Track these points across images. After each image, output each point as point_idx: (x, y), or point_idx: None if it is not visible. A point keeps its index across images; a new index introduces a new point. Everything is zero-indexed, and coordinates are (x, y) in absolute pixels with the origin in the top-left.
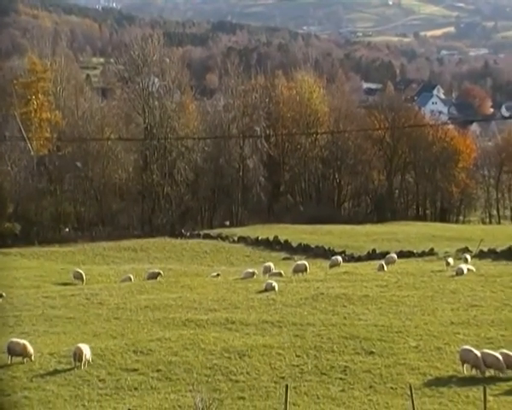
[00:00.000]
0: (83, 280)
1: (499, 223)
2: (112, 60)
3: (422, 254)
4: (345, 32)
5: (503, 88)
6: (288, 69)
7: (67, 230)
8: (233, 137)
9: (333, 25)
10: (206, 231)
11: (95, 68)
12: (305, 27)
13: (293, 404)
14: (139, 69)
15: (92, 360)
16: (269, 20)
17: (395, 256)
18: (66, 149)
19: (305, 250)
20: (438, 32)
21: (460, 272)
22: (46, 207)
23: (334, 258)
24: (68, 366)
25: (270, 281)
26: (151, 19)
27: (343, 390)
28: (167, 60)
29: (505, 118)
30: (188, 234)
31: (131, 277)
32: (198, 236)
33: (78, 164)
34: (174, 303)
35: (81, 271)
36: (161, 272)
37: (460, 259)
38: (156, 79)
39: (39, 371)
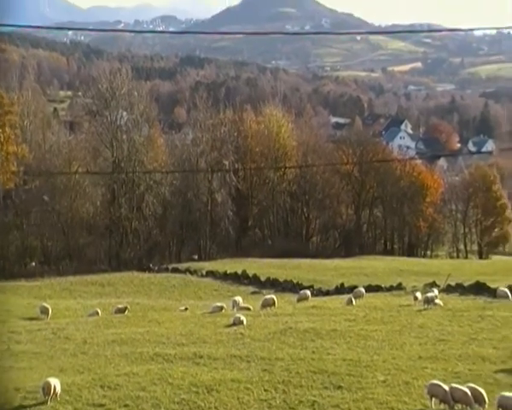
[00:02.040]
0: (49, 315)
1: (466, 257)
2: (79, 93)
3: (390, 289)
4: (313, 66)
5: (470, 123)
6: (256, 103)
7: (34, 264)
8: (201, 171)
9: (301, 60)
10: (175, 265)
11: (62, 102)
12: (273, 62)
13: None
14: (107, 103)
15: (59, 396)
16: (237, 55)
17: (363, 290)
18: (33, 183)
19: (273, 284)
20: (405, 68)
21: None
22: (12, 242)
23: (302, 292)
24: (34, 402)
25: (238, 315)
26: (119, 52)
27: None
28: (135, 93)
29: (472, 153)
30: (156, 268)
31: (99, 311)
32: (166, 270)
33: (46, 198)
34: (142, 338)
35: (47, 305)
36: (128, 306)
37: (427, 293)
38: (124, 113)
39: (4, 406)
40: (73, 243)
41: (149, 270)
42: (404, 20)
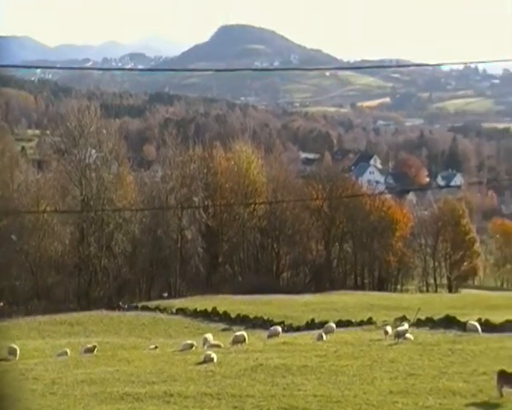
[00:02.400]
0: (17, 355)
1: (436, 291)
2: (48, 131)
3: (361, 324)
4: (282, 102)
5: (439, 158)
6: (225, 140)
7: (1, 304)
8: (171, 208)
9: (270, 96)
10: (144, 303)
11: (30, 140)
12: (242, 98)
13: None
14: (76, 141)
15: None
16: (206, 91)
17: (334, 326)
18: (1, 223)
19: (243, 321)
20: (374, 103)
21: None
22: None
23: (272, 328)
24: None
25: (208, 352)
26: (88, 90)
27: None
28: (104, 131)
29: (441, 187)
30: (125, 306)
31: (68, 351)
32: (136, 308)
33: (13, 237)
34: (111, 377)
35: (15, 346)
36: (97, 345)
37: (398, 327)
38: (93, 151)
39: None
40: (42, 282)
41: (119, 308)
42: (373, 55)
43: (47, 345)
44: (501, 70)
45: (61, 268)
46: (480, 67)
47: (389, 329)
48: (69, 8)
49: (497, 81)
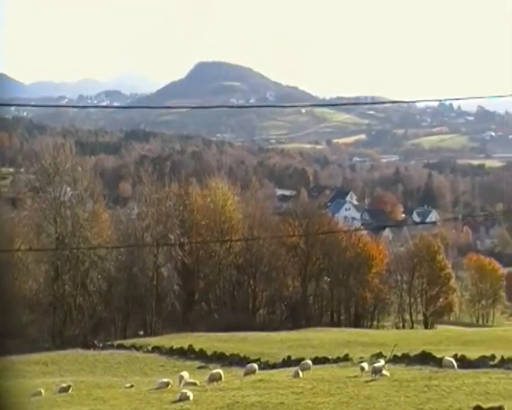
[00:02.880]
0: None
1: (412, 327)
2: (22, 169)
3: (337, 360)
4: (258, 139)
5: (414, 194)
6: (201, 177)
7: None
8: (147, 246)
9: (246, 132)
10: (120, 342)
11: (4, 178)
12: (218, 135)
13: None
14: (50, 178)
15: None
16: (182, 128)
17: (310, 363)
18: None
19: (220, 358)
20: (350, 140)
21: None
22: None
23: (249, 365)
24: None
25: (184, 391)
26: (63, 128)
27: None
28: (79, 169)
29: (416, 223)
30: (101, 345)
31: (42, 391)
32: (111, 346)
33: None
34: None
35: None
36: (72, 384)
37: (374, 364)
38: (68, 189)
39: None
40: (16, 321)
41: (94, 347)
42: (349, 92)
43: (21, 385)
44: (475, 107)
45: (36, 307)
46: (455, 103)
47: (365, 365)
48: (44, 45)
49: (471, 118)
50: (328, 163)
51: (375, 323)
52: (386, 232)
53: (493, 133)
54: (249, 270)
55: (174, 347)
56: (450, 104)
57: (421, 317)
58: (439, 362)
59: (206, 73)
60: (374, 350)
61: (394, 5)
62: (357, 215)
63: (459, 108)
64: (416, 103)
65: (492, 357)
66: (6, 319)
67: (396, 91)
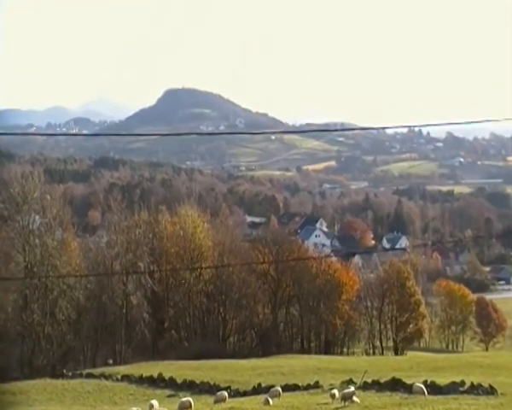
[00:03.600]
0: None
1: (382, 354)
2: None
3: (308, 387)
4: (228, 166)
5: (384, 220)
6: (171, 204)
7: None
8: (116, 274)
9: (216, 160)
10: (89, 371)
11: None
12: (188, 162)
13: None
14: (19, 207)
15: None
16: (151, 156)
17: (279, 389)
18: None
19: (190, 387)
20: (319, 166)
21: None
22: None
23: (219, 393)
24: None
25: None
26: (31, 156)
27: None
28: (48, 197)
29: (386, 249)
30: (70, 374)
31: None
32: (80, 375)
33: None
34: None
35: None
36: None
37: (344, 390)
38: (37, 217)
39: None
40: None
41: (63, 376)
42: (318, 119)
43: None
44: (444, 133)
45: (4, 336)
46: (424, 130)
47: (336, 392)
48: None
49: (440, 144)
50: (298, 190)
51: (345, 349)
52: (356, 259)
53: (462, 159)
54: (219, 297)
55: (144, 375)
56: (420, 130)
57: (391, 343)
58: (409, 388)
59: (175, 100)
60: (344, 377)
61: (361, 32)
62: (327, 242)
63: (428, 134)
64: (386, 130)
65: (462, 383)
66: None
67: (365, 118)
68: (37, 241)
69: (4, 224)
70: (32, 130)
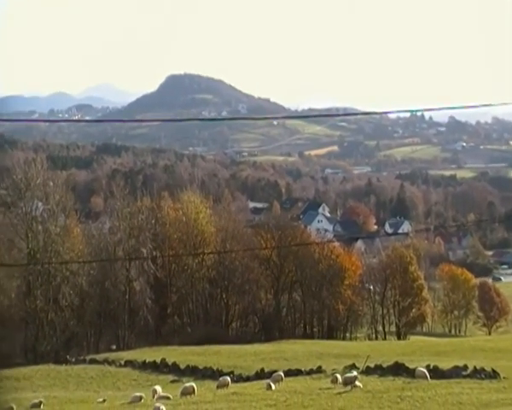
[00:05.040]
0: None
1: (385, 338)
2: None
3: (310, 372)
4: (230, 152)
5: (386, 205)
6: (174, 190)
7: None
8: (119, 260)
9: (218, 145)
10: (92, 356)
11: None
12: (190, 148)
13: None
14: (22, 193)
15: None
16: (154, 142)
17: (282, 374)
18: None
19: (193, 372)
20: (322, 151)
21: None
22: None
23: (222, 378)
24: None
25: (157, 404)
26: (34, 142)
27: None
28: (51, 183)
29: (389, 234)
30: (73, 360)
31: (14, 407)
32: (84, 361)
33: None
34: None
35: None
36: (44, 400)
37: (347, 375)
38: (40, 203)
39: None
40: None
41: (66, 362)
42: (321, 104)
43: None
44: (447, 117)
45: (8, 322)
46: (427, 114)
47: (338, 377)
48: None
49: (443, 129)
50: (300, 175)
51: (347, 334)
52: (359, 244)
53: (465, 144)
54: (222, 283)
55: (147, 361)
56: (422, 115)
57: (393, 328)
58: (411, 373)
59: (177, 86)
60: (347, 362)
61: (366, 17)
62: (330, 227)
63: (431, 118)
64: (388, 114)
65: (465, 367)
66: None
67: (368, 103)
68: (40, 227)
69: (7, 210)
70: (35, 116)
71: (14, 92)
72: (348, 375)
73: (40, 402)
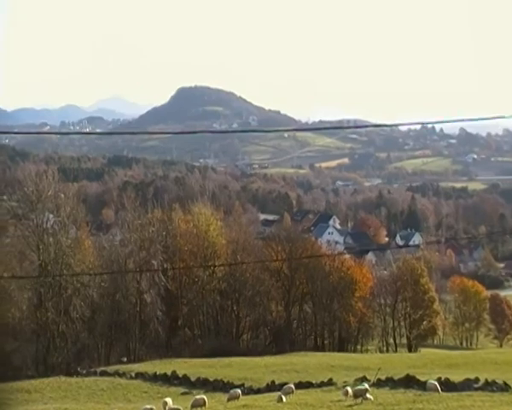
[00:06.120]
0: None
1: (396, 351)
2: (5, 197)
3: (321, 385)
4: (241, 164)
5: (397, 217)
6: (184, 202)
7: None
8: (130, 272)
9: (229, 157)
10: (103, 368)
11: None
12: (201, 160)
13: None
14: (33, 205)
15: None
16: (165, 154)
17: (292, 386)
18: None
19: (203, 384)
20: (332, 164)
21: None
22: None
23: (232, 391)
24: None
25: None
26: (45, 155)
27: None
28: (62, 195)
29: (400, 247)
30: (84, 372)
31: None
32: (94, 373)
33: None
34: None
35: None
36: None
37: (358, 388)
38: (51, 215)
39: None
40: None
41: (77, 374)
42: (331, 116)
43: None
44: (458, 130)
45: (19, 334)
46: (437, 127)
47: (349, 389)
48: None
49: (453, 141)
50: (311, 187)
51: (358, 347)
52: (370, 256)
53: (476, 156)
54: (233, 295)
55: (157, 373)
56: (433, 127)
57: (404, 340)
58: (423, 385)
59: (188, 98)
60: (358, 374)
61: (377, 29)
62: (341, 239)
63: (441, 130)
64: (399, 126)
65: (476, 380)
66: None
67: (378, 115)
68: (51, 239)
69: (19, 222)
70: (46, 129)
71: (26, 105)
72: (359, 387)
73: None
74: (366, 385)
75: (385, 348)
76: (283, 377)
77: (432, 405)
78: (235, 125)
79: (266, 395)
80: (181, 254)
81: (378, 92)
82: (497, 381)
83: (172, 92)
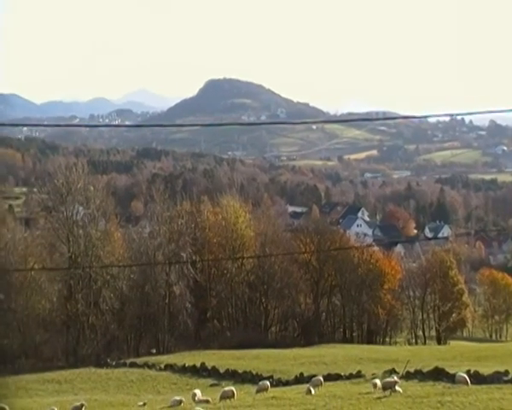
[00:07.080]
0: None
1: (425, 343)
2: (35, 189)
3: (350, 377)
4: (269, 156)
5: (426, 209)
6: (213, 194)
7: None
8: (159, 264)
9: (257, 150)
10: (133, 360)
11: (17, 198)
12: (229, 152)
13: None
14: (63, 198)
15: None
16: (194, 146)
17: (321, 379)
18: None
19: (232, 376)
20: (361, 156)
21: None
22: None
23: (261, 383)
24: None
25: (197, 408)
26: (75, 147)
27: None
28: (92, 188)
29: (428, 239)
30: (113, 363)
31: (55, 409)
32: (124, 365)
33: (1, 296)
34: None
35: (4, 405)
36: (85, 403)
37: (387, 380)
38: (80, 208)
39: None
40: (29, 340)
41: (107, 365)
42: (360, 108)
43: (35, 404)
44: (487, 121)
45: (49, 326)
46: (467, 118)
47: (378, 382)
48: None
49: (483, 132)
50: (339, 179)
51: (387, 339)
52: (399, 248)
53: (505, 147)
54: (261, 287)
55: (187, 364)
56: (462, 119)
57: (433, 333)
58: (452, 378)
59: (217, 91)
60: (386, 366)
61: (405, 21)
62: (369, 231)
63: (471, 122)
64: (428, 118)
65: (506, 372)
66: (21, 338)
67: (407, 107)
68: (80, 231)
69: (49, 215)
70: (76, 121)
71: (55, 98)
72: (388, 380)
73: (82, 405)
74: (395, 377)
75: (414, 341)
76: (312, 369)
77: (461, 397)
78: (263, 118)
79: (295, 387)
80: (210, 247)
81: (407, 84)
82: None
83: (201, 85)
